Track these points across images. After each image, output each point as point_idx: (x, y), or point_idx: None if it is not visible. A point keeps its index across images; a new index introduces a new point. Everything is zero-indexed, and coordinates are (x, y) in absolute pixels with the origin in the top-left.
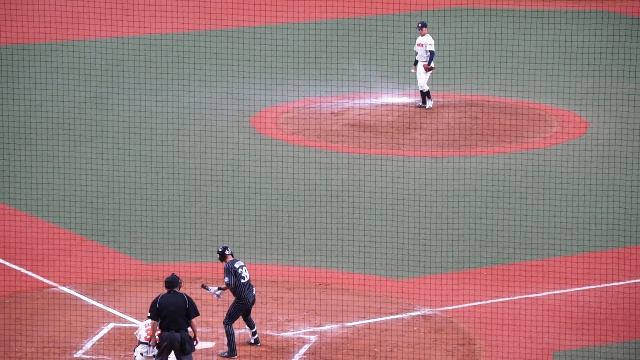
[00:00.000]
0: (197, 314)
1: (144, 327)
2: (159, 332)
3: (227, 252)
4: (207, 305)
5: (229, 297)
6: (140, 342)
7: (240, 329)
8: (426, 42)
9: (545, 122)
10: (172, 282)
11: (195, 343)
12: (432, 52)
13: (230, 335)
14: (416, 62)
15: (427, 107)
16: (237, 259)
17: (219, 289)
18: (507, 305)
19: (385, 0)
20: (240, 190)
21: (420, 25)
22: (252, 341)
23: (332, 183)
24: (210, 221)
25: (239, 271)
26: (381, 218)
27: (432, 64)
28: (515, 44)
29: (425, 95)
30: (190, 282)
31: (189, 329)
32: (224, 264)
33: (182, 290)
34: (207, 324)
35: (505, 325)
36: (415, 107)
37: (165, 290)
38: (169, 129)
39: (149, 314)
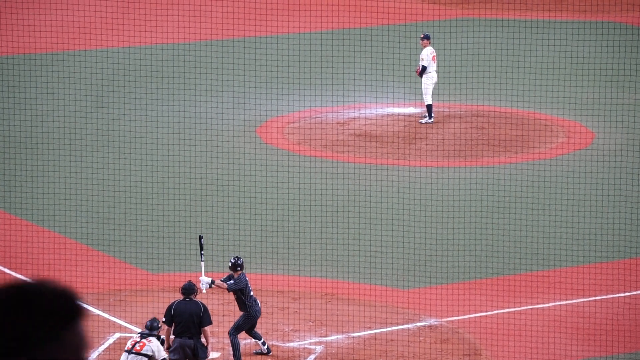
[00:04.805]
0: (210, 322)
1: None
2: (172, 338)
3: (239, 262)
4: (213, 315)
5: (235, 308)
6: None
7: (245, 339)
8: (424, 54)
9: (551, 132)
10: (189, 289)
11: (208, 352)
12: (423, 67)
13: (236, 346)
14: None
15: (422, 122)
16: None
17: (212, 282)
18: (513, 315)
19: (391, 11)
20: (246, 200)
21: (422, 36)
22: (265, 351)
23: (337, 193)
24: (215, 231)
25: (249, 285)
26: (387, 228)
27: (421, 69)
28: (521, 54)
29: (428, 109)
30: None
31: (202, 337)
32: (236, 274)
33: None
34: (213, 334)
35: (511, 336)
36: (419, 122)
37: (181, 297)
38: (175, 138)
39: (163, 319)
